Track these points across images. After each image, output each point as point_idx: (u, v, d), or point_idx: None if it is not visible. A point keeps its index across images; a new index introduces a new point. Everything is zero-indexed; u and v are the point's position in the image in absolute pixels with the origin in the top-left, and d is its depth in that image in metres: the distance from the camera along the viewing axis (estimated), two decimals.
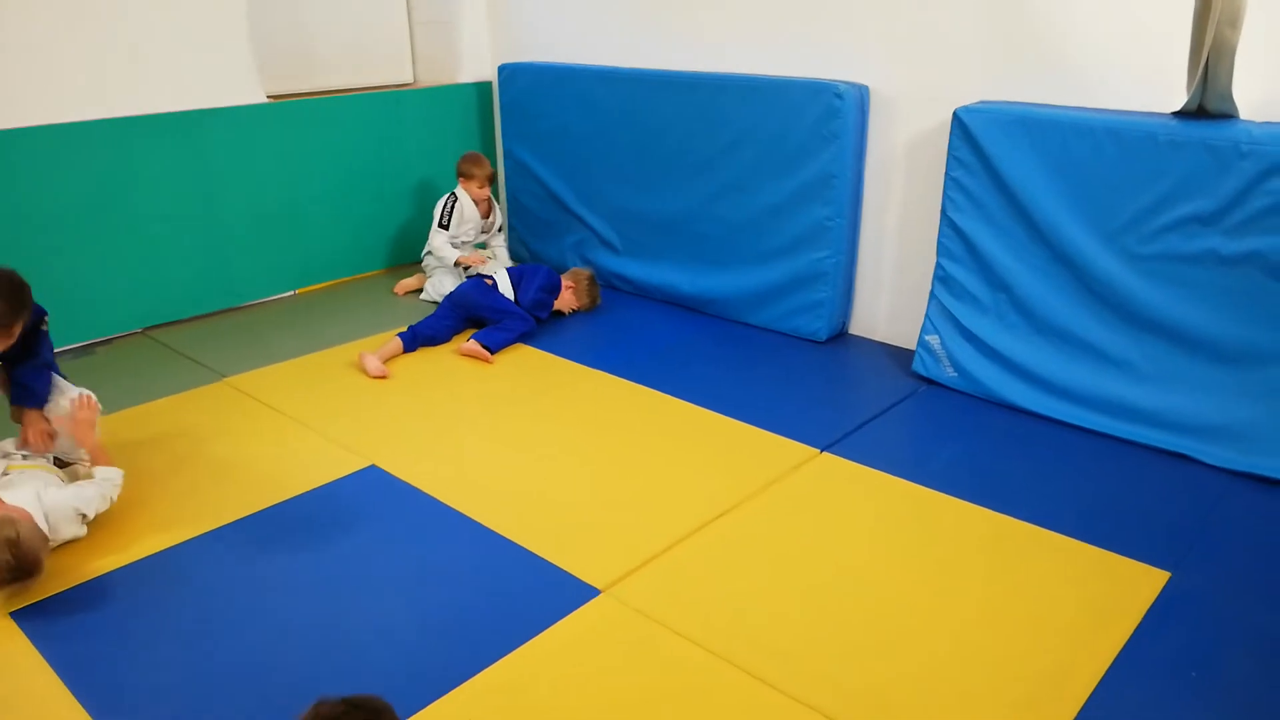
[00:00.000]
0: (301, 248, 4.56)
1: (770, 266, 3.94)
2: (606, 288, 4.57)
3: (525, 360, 3.75)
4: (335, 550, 2.52)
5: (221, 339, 4.00)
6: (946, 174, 3.31)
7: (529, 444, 3.09)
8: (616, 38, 4.39)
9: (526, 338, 3.89)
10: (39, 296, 2.60)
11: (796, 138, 3.72)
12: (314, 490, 2.81)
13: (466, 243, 4.52)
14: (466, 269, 4.44)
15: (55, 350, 2.84)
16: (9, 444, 2.68)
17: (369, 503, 2.75)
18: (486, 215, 4.56)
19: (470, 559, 2.48)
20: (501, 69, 4.75)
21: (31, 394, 2.70)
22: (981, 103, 3.27)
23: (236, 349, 3.88)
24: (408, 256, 4.99)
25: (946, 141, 3.32)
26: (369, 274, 4.90)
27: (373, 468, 2.93)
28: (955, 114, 3.23)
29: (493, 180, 4.53)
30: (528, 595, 2.32)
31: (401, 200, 4.93)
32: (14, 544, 2.19)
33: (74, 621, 2.23)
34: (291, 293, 4.59)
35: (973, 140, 3.21)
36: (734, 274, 4.08)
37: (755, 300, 4.03)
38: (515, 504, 2.71)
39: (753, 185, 3.93)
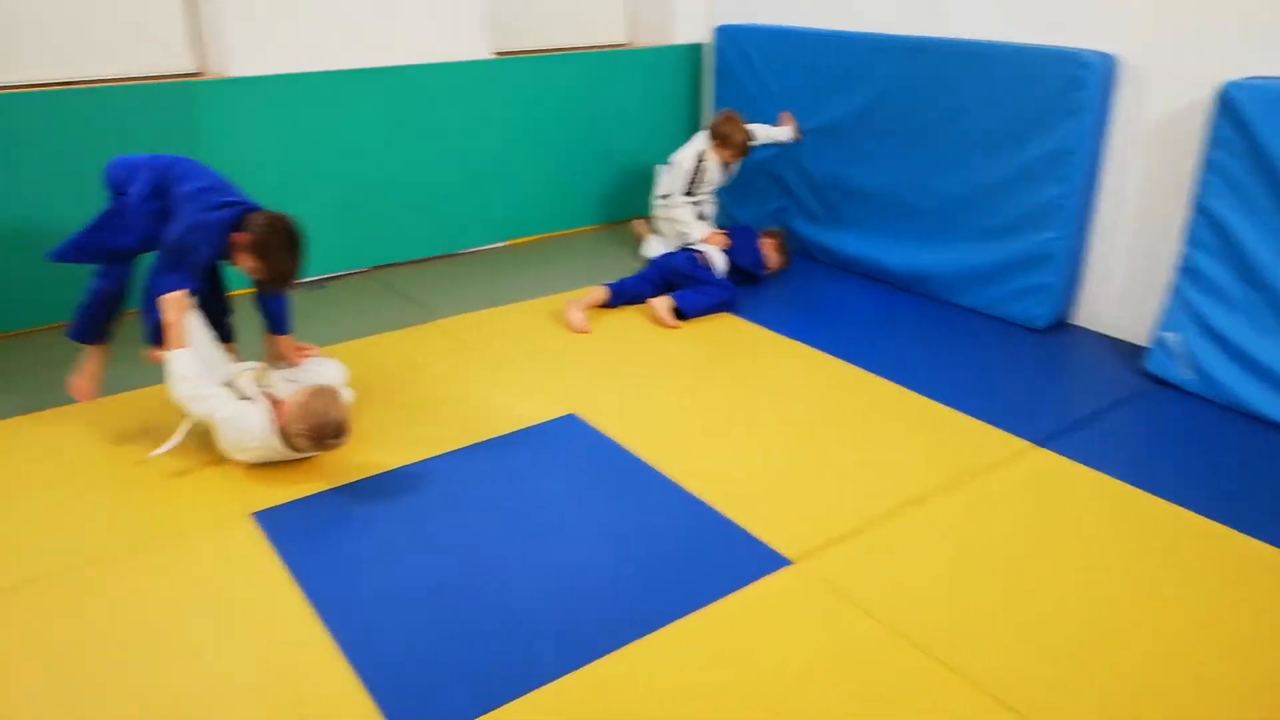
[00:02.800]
0: (513, 201, 4.73)
1: (989, 245, 3.72)
2: (804, 258, 4.47)
3: (723, 327, 3.74)
4: (533, 490, 2.61)
5: (438, 282, 4.23)
6: (1205, 156, 3.00)
7: (724, 408, 3.08)
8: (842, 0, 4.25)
9: (727, 306, 3.86)
10: None
11: (1030, 109, 3.48)
12: (516, 432, 2.92)
13: (703, 200, 4.37)
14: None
15: None
16: (259, 367, 2.91)
17: (566, 449, 2.83)
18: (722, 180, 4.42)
19: (661, 514, 2.50)
20: (719, 30, 4.71)
21: (284, 322, 3.00)
22: (1254, 78, 2.93)
23: (451, 293, 4.08)
24: (615, 214, 5.08)
25: (1203, 119, 3.01)
26: (575, 230, 5.02)
27: (571, 416, 3.01)
28: (1224, 89, 2.91)
29: (747, 151, 4.29)
30: (716, 557, 2.32)
31: (609, 159, 5.00)
32: (342, 411, 2.62)
33: (304, 525, 2.44)
34: (502, 244, 4.78)
35: (1241, 120, 2.89)
36: (947, 251, 3.88)
37: (969, 280, 3.82)
38: (709, 465, 2.72)
39: (976, 158, 3.71)
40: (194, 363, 2.60)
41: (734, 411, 3.06)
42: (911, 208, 4.00)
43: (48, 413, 3.01)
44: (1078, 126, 3.35)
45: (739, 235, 4.14)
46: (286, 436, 2.60)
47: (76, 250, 2.80)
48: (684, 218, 4.29)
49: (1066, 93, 3.35)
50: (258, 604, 2.16)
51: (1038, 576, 2.24)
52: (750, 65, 4.58)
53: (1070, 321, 3.70)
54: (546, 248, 4.77)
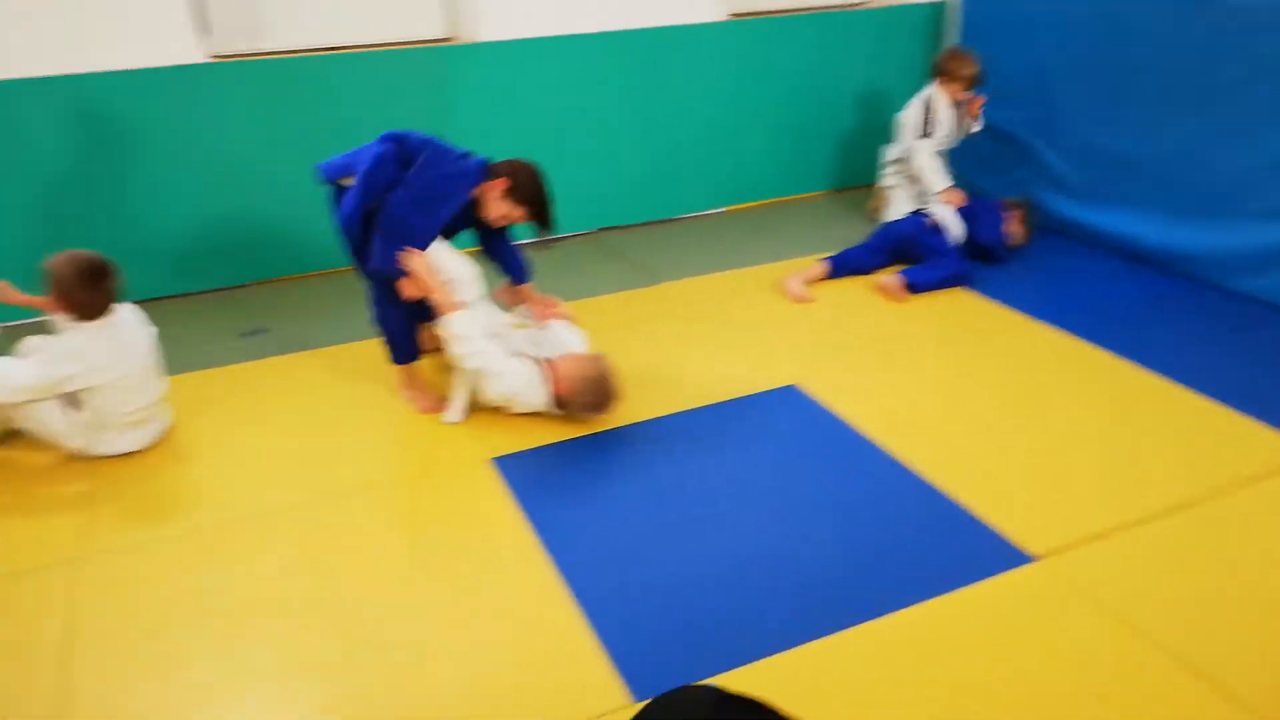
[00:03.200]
0: (738, 166, 4.67)
1: (1274, 226, 3.28)
2: (1050, 232, 4.14)
3: (957, 302, 3.53)
4: (757, 458, 2.58)
5: (660, 246, 4.25)
6: None
7: (957, 389, 2.91)
8: None
9: (961, 280, 3.64)
10: None
11: None
12: (734, 400, 2.88)
13: (940, 149, 4.12)
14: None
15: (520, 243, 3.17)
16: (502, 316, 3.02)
17: (788, 421, 2.77)
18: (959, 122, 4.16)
19: (889, 497, 2.40)
20: None
21: (524, 270, 3.08)
22: None
23: (673, 257, 4.09)
24: (843, 181, 4.92)
25: None
26: (800, 196, 4.90)
27: (792, 388, 2.94)
28: None
29: (977, 83, 4.06)
30: (951, 546, 2.20)
31: (841, 123, 4.83)
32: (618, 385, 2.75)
33: (538, 473, 2.54)
34: (724, 209, 4.74)
35: None
36: (1224, 230, 3.46)
37: (1249, 263, 3.40)
38: (941, 449, 2.57)
39: (1266, 129, 3.27)
40: (470, 322, 2.68)
41: (969, 393, 2.88)
42: (1184, 181, 3.59)
43: (324, 350, 3.28)
44: None
45: (980, 207, 3.88)
46: (563, 401, 2.71)
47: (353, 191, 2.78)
48: (923, 161, 3.97)
49: None
50: (494, 544, 2.26)
51: None
52: (998, 23, 4.26)
53: None
54: (769, 213, 4.68)
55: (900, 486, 2.43)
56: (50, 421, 2.57)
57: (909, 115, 4.06)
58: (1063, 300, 3.49)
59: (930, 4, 4.77)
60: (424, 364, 3.00)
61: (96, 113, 3.48)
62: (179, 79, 3.55)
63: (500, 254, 3.06)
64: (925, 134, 4.03)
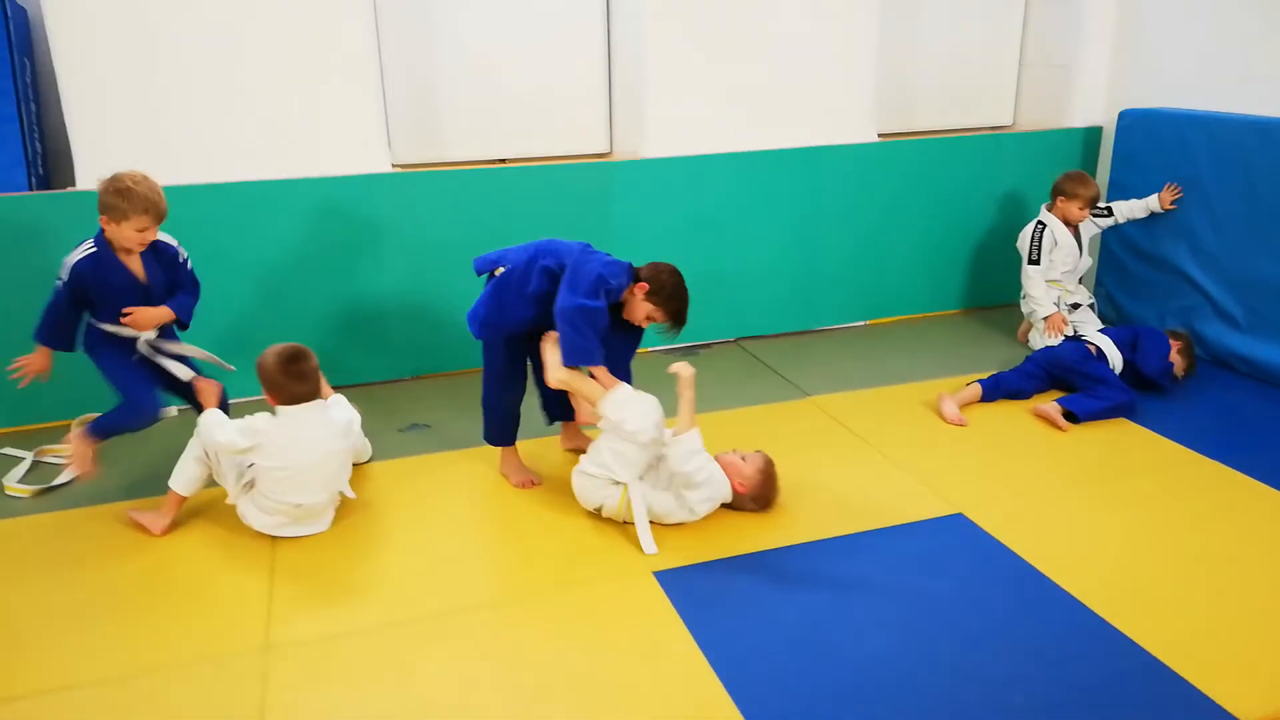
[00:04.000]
0: (882, 280, 4.70)
1: None
2: (1215, 365, 4.00)
3: (1122, 434, 3.42)
4: (918, 591, 2.50)
5: (802, 358, 4.28)
6: None
7: (1132, 527, 2.80)
8: (1270, 81, 3.81)
9: (1125, 411, 3.54)
10: None
11: None
12: (899, 525, 2.84)
13: (1066, 272, 4.19)
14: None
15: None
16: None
17: (957, 552, 2.70)
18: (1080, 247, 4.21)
19: (1071, 643, 2.29)
20: (1123, 115, 4.40)
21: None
22: None
23: (816, 369, 4.11)
24: (984, 300, 4.90)
25: None
26: (943, 312, 4.89)
27: (960, 516, 2.88)
28: None
29: (1095, 204, 4.17)
30: (1143, 705, 2.08)
31: (985, 241, 4.83)
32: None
33: (701, 588, 2.52)
34: (864, 323, 4.75)
35: None
36: None
37: None
38: (1126, 592, 2.47)
39: None
40: (699, 438, 2.78)
41: (1148, 532, 2.76)
42: None
43: (474, 449, 3.37)
44: None
45: (1143, 335, 3.78)
46: (739, 498, 2.84)
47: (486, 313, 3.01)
48: (1033, 285, 4.09)
49: None
50: (659, 654, 2.26)
51: None
52: (1156, 152, 4.23)
53: None
54: (910, 329, 4.67)
55: (1084, 631, 2.33)
56: (232, 485, 2.75)
57: (1022, 241, 4.14)
58: (1233, 436, 3.35)
59: (1084, 129, 4.77)
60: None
61: (299, 215, 3.76)
62: (368, 186, 3.82)
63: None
64: (1034, 260, 4.05)
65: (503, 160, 4.17)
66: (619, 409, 2.78)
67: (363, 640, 2.34)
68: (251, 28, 3.52)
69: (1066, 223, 4.15)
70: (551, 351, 2.91)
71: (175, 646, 2.31)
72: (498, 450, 3.19)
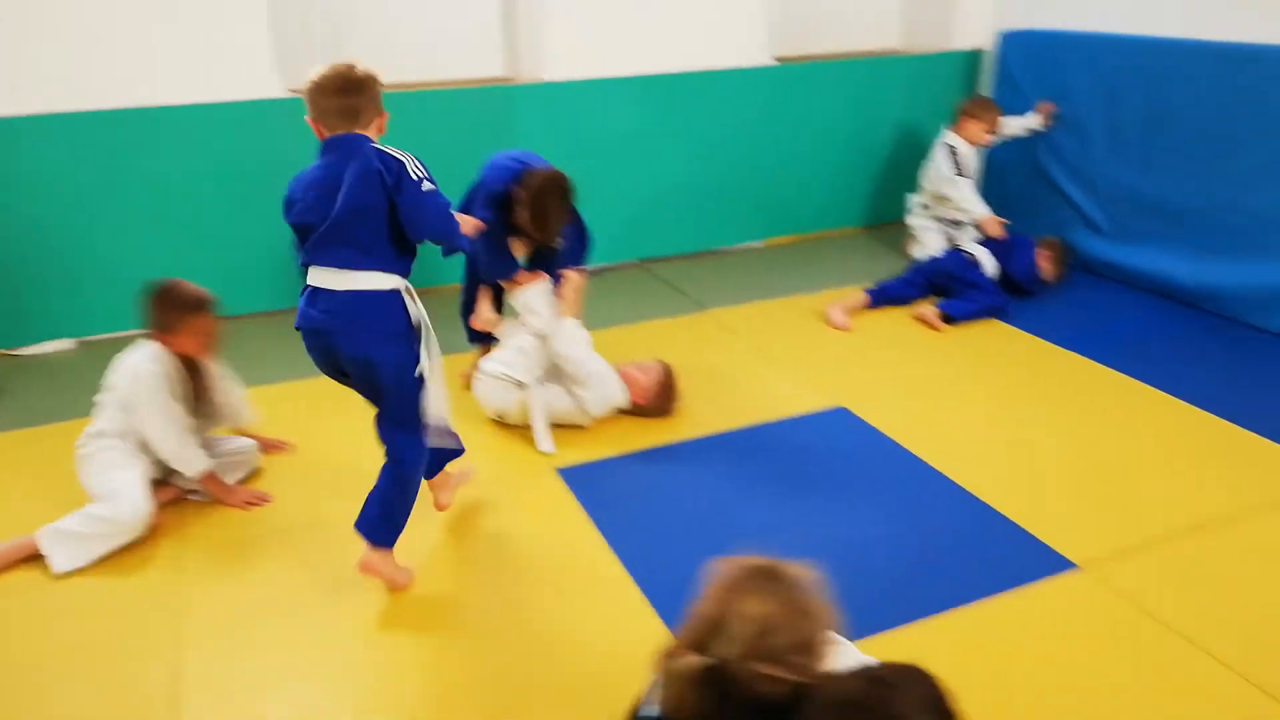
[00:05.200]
0: (777, 201, 4.87)
1: None
2: (1084, 271, 4.31)
3: (993, 333, 3.69)
4: (810, 472, 2.73)
5: (704, 276, 4.44)
6: None
7: (996, 412, 3.06)
8: (1136, 3, 4.05)
9: (996, 313, 3.80)
10: None
11: None
12: (786, 419, 3.05)
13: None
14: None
15: None
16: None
17: (838, 440, 2.92)
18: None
19: (934, 508, 2.55)
20: (1006, 36, 4.62)
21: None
22: None
23: (717, 286, 4.28)
24: (877, 217, 5.13)
25: None
26: (837, 230, 5.10)
27: (842, 409, 3.10)
28: None
29: (997, 128, 4.39)
30: (995, 555, 2.33)
31: (876, 162, 5.03)
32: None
33: (601, 482, 2.69)
34: (761, 242, 4.93)
35: None
36: (1252, 269, 3.62)
37: (1273, 301, 3.55)
38: (985, 466, 2.72)
39: None
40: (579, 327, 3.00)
41: (1009, 416, 3.03)
42: (1213, 223, 3.76)
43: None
44: None
45: (1014, 244, 4.06)
46: (638, 404, 3.00)
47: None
48: (963, 193, 4.26)
49: None
50: (567, 542, 2.43)
51: None
52: (1034, 73, 4.47)
53: None
54: (807, 247, 4.87)
55: (948, 499, 2.58)
56: None
57: (938, 161, 4.29)
58: (1093, 333, 3.64)
59: (966, 52, 4.98)
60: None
61: (180, 144, 3.72)
62: (259, 112, 3.79)
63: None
64: (961, 173, 4.25)
65: (400, 85, 4.16)
66: (525, 294, 2.96)
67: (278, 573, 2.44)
68: None
69: (968, 143, 4.36)
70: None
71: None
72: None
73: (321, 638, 2.10)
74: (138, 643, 2.08)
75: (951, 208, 4.32)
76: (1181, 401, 3.07)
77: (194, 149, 3.74)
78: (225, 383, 2.70)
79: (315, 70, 2.06)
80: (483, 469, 2.75)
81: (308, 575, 2.30)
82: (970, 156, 4.34)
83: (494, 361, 2.97)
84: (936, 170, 4.33)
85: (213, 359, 2.62)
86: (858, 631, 2.03)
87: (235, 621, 2.15)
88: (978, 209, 4.26)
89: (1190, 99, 3.78)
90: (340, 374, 2.15)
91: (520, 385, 2.91)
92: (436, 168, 3.02)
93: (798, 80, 4.70)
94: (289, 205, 2.09)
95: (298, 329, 2.10)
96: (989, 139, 4.36)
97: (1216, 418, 2.96)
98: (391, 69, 4.09)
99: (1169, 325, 3.72)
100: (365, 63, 2.11)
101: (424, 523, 2.48)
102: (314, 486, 2.68)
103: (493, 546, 2.43)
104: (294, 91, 3.92)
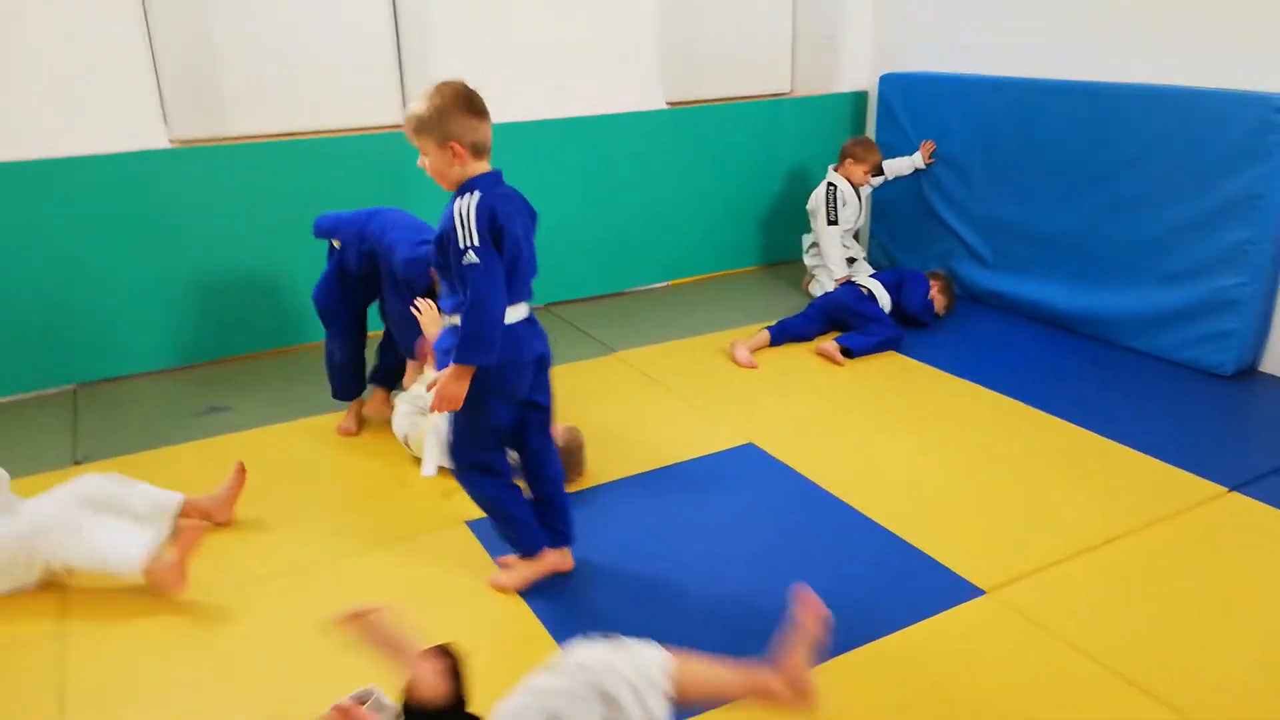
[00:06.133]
0: (677, 242, 4.93)
1: (1170, 290, 3.66)
2: (971, 301, 4.49)
3: (891, 364, 3.80)
4: (719, 511, 2.74)
5: (610, 319, 4.45)
6: None
7: (898, 443, 3.14)
8: (1007, 46, 4.29)
9: (892, 344, 3.93)
10: None
11: (1215, 153, 3.44)
12: (697, 459, 3.06)
13: (847, 230, 4.54)
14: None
15: None
16: None
17: (747, 476, 2.95)
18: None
19: (845, 541, 2.58)
20: (884, 79, 4.82)
21: None
22: None
23: (623, 328, 4.30)
24: (775, 256, 5.24)
25: None
26: (737, 270, 5.19)
27: (750, 445, 3.13)
28: None
29: (879, 169, 4.57)
30: (905, 585, 2.38)
31: (772, 202, 5.16)
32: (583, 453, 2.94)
33: None
34: (665, 284, 4.98)
35: None
36: (1124, 295, 3.84)
37: (1147, 325, 3.76)
38: (890, 497, 2.78)
39: (1155, 202, 3.68)
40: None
41: (909, 445, 3.11)
42: (1086, 251, 3.98)
43: (296, 423, 3.37)
44: (1271, 170, 3.29)
45: (906, 278, 4.20)
46: None
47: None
48: (828, 244, 4.43)
49: (1256, 136, 3.31)
50: (476, 599, 2.37)
51: (1245, 615, 2.21)
52: (913, 112, 4.67)
53: (1261, 369, 3.59)
54: (709, 287, 4.94)
55: (856, 531, 2.62)
56: None
57: (816, 202, 4.45)
58: (984, 361, 3.79)
59: (851, 94, 5.18)
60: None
61: (61, 196, 3.55)
62: (143, 163, 3.65)
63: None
64: (831, 220, 4.41)
65: (291, 134, 4.07)
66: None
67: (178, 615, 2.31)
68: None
69: (851, 183, 4.51)
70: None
71: None
72: (305, 421, 3.24)
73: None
74: None
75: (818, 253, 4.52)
76: (1067, 422, 3.21)
77: (83, 201, 3.58)
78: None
79: (459, 96, 2.18)
80: (392, 521, 2.68)
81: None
82: (851, 195, 4.50)
83: (405, 397, 3.05)
84: (813, 214, 4.50)
85: None
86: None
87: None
88: (836, 267, 4.41)
89: (1057, 134, 4.00)
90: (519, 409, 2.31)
91: (424, 413, 2.89)
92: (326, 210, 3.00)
93: (691, 123, 4.80)
94: (512, 231, 2.10)
95: (533, 359, 2.24)
96: (869, 179, 4.54)
97: (1099, 436, 3.10)
98: (280, 118, 4.07)
99: (1050, 350, 3.90)
100: None
101: (327, 569, 2.38)
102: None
103: (401, 597, 2.35)
104: (176, 142, 3.79)
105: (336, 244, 3.13)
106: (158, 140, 3.69)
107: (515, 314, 2.17)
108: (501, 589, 2.37)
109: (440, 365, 2.20)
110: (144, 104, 3.64)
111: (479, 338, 2.06)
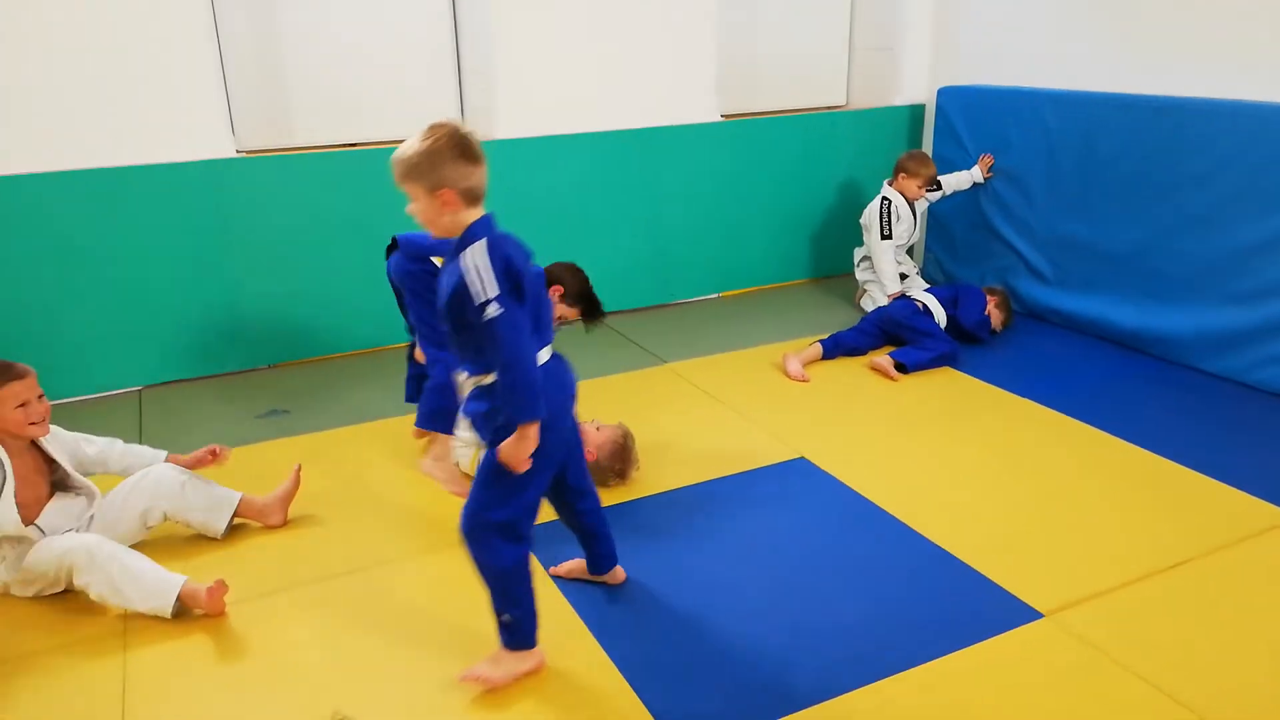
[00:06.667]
0: (730, 254, 4.93)
1: (1240, 309, 3.56)
2: (1029, 317, 4.41)
3: (947, 381, 3.74)
4: (773, 525, 2.72)
5: (661, 329, 4.46)
6: None
7: (953, 460, 3.09)
8: (1072, 59, 4.22)
9: (948, 360, 3.87)
10: None
11: None
12: (748, 471, 3.04)
13: (901, 246, 4.50)
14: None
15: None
16: None
17: (799, 491, 2.92)
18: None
19: (898, 559, 2.55)
20: (941, 92, 4.76)
21: None
22: None
23: (675, 339, 4.30)
24: (825, 269, 5.20)
25: None
26: (789, 283, 5.16)
27: (802, 459, 3.10)
28: None
29: (933, 183, 4.52)
30: (960, 606, 2.34)
31: (825, 215, 5.13)
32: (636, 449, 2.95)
33: (565, 545, 2.60)
34: (717, 295, 4.98)
35: None
36: (1190, 314, 3.73)
37: (1214, 345, 3.66)
38: (946, 515, 2.74)
39: (1226, 219, 3.58)
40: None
41: (967, 464, 3.06)
42: (1152, 269, 3.88)
43: (353, 428, 3.43)
44: None
45: (963, 293, 4.14)
46: (592, 466, 2.77)
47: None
48: (884, 262, 4.39)
49: None
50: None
51: None
52: (972, 126, 4.61)
53: None
54: (760, 299, 4.92)
55: (911, 550, 2.59)
56: None
57: (870, 217, 4.40)
58: (1043, 378, 3.71)
59: (908, 107, 5.13)
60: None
61: (133, 203, 3.67)
62: (211, 172, 3.76)
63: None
64: (885, 235, 4.36)
65: (353, 144, 4.15)
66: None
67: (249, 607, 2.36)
68: (82, 12, 3.41)
69: (905, 197, 4.47)
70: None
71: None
72: (363, 426, 3.31)
73: None
74: None
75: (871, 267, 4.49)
76: (1130, 444, 3.13)
77: (151, 208, 3.69)
78: (75, 444, 2.60)
79: (453, 140, 1.96)
80: (446, 527, 2.70)
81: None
82: (906, 210, 4.45)
83: (461, 429, 2.95)
84: (867, 229, 4.45)
85: (42, 432, 2.47)
86: (825, 693, 2.03)
87: None
88: (890, 282, 4.37)
89: (1121, 149, 3.92)
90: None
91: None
92: (386, 227, 3.05)
93: (746, 136, 4.80)
94: (529, 274, 1.97)
95: (572, 395, 2.15)
96: (923, 193, 4.48)
97: (1163, 458, 3.02)
98: (343, 129, 4.16)
99: (1113, 369, 3.81)
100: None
101: (378, 570, 2.41)
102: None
103: (454, 602, 2.37)
104: (243, 152, 3.89)
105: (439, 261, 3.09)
106: (225, 150, 3.79)
107: (542, 356, 2.01)
108: (478, 681, 2.06)
109: (479, 429, 2.06)
110: (213, 116, 3.74)
111: (528, 391, 1.87)
